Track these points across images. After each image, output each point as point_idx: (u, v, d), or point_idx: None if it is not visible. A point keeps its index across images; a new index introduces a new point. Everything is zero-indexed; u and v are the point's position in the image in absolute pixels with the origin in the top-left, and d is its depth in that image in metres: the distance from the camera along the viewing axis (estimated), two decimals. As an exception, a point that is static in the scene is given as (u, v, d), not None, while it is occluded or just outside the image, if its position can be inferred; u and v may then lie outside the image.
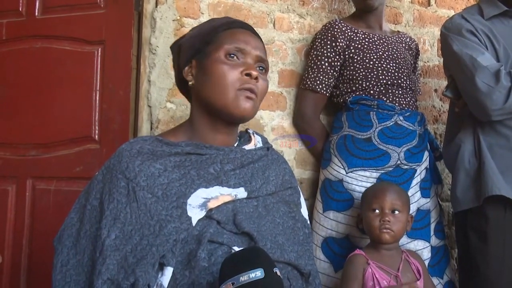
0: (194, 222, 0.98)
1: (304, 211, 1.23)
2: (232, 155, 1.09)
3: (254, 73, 1.06)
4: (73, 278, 0.96)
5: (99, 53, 1.73)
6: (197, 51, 1.11)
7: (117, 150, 1.06)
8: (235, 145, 1.16)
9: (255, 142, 1.19)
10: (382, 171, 1.58)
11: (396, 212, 1.37)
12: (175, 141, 1.08)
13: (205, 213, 1.00)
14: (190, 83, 1.13)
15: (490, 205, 1.43)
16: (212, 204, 1.01)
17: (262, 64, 1.12)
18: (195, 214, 0.99)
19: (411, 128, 1.65)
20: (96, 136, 1.71)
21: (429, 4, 2.17)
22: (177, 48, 1.19)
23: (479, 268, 1.45)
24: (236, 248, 0.98)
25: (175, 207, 0.98)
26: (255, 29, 1.19)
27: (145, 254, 0.93)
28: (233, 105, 1.05)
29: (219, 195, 1.02)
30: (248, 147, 1.15)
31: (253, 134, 1.23)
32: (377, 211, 1.37)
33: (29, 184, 1.77)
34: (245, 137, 1.21)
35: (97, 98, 1.71)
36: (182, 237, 0.96)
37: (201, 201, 1.00)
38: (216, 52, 1.08)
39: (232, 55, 1.08)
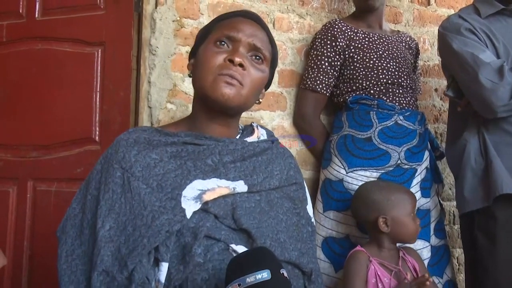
0: (188, 214, 0.95)
1: (310, 208, 1.19)
2: (232, 147, 1.06)
3: (237, 59, 1.02)
4: (79, 268, 0.95)
5: (99, 54, 1.73)
6: (199, 43, 1.12)
7: (115, 140, 1.05)
8: (237, 137, 1.14)
9: (258, 135, 1.16)
10: (383, 171, 1.58)
11: None
12: (174, 131, 1.07)
13: (200, 205, 0.97)
14: (188, 72, 1.14)
15: (498, 205, 1.41)
16: (207, 197, 0.98)
17: (258, 53, 1.08)
18: (190, 206, 0.96)
19: (411, 127, 1.65)
20: (97, 137, 1.71)
21: (428, 4, 2.17)
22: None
23: (487, 271, 1.42)
24: (234, 246, 0.96)
25: (169, 198, 0.96)
26: None
27: (136, 245, 0.91)
28: (211, 89, 1.03)
29: (216, 187, 0.99)
30: (250, 139, 1.13)
31: (257, 127, 1.20)
32: None
33: (30, 186, 1.77)
34: (248, 130, 1.18)
35: (98, 99, 1.71)
36: (176, 229, 0.93)
37: (196, 193, 0.97)
38: (208, 40, 1.08)
39: (222, 43, 1.06)
